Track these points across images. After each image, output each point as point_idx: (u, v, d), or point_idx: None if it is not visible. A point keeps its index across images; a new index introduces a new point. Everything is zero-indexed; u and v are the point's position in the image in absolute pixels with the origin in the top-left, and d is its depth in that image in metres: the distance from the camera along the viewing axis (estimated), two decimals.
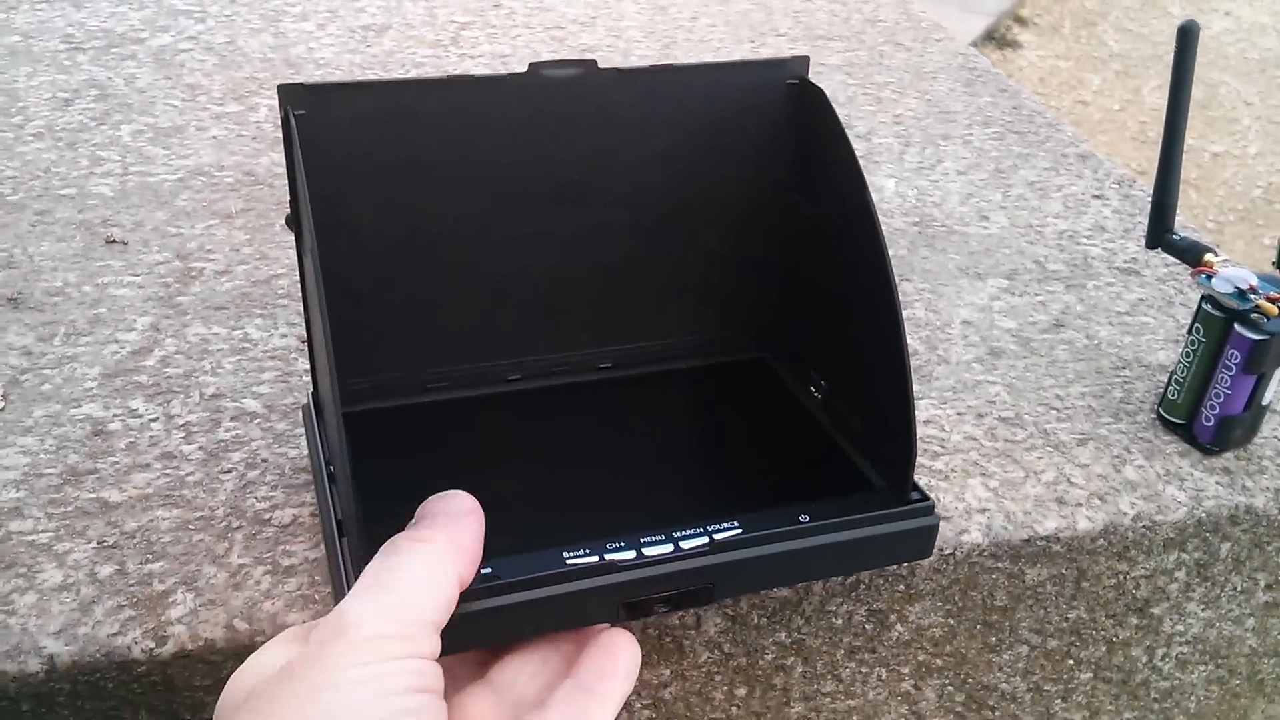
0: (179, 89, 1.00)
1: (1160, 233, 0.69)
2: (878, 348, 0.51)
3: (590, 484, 0.54)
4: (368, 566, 0.40)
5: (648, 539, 0.47)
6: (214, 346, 0.71)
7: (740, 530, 0.48)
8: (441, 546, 0.41)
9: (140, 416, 0.65)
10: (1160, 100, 4.12)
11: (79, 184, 0.86)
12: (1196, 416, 0.67)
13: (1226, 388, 0.65)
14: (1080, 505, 0.63)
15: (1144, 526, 0.63)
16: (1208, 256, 0.66)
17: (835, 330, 0.57)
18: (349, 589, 0.40)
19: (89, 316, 0.73)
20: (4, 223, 0.81)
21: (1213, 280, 0.65)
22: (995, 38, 4.19)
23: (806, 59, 0.56)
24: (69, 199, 0.84)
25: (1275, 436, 0.70)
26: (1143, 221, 0.90)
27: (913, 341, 0.74)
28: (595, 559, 0.46)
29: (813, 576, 0.54)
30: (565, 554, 0.46)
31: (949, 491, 0.63)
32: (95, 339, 0.71)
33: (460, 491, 0.44)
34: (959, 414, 0.69)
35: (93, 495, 0.60)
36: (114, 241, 0.80)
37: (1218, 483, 0.66)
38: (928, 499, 0.51)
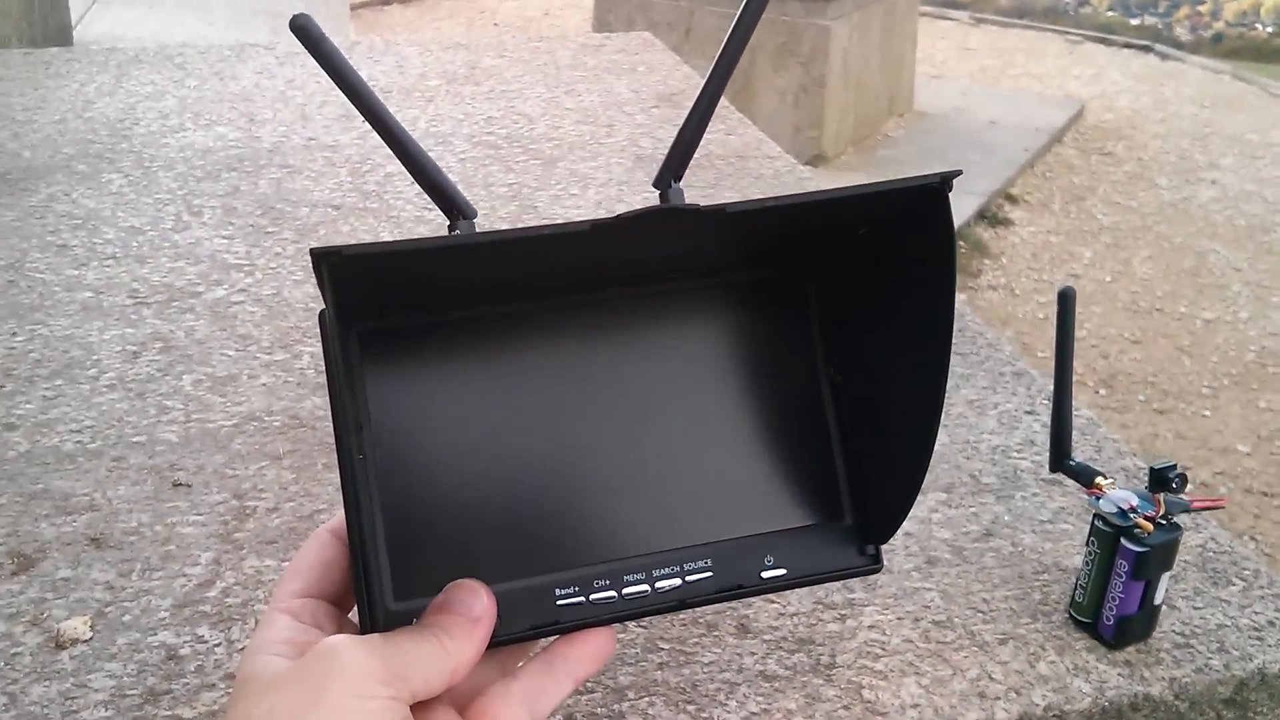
0: (233, 339, 1.15)
1: (1060, 459, 0.82)
2: (911, 413, 0.56)
3: (583, 469, 0.56)
4: (389, 634, 0.49)
5: (631, 577, 0.55)
6: (266, 577, 0.84)
7: (711, 574, 0.56)
8: (455, 646, 0.49)
9: (206, 642, 0.78)
10: (1151, 270, 4.29)
11: (148, 431, 1.01)
12: (1100, 616, 0.79)
13: (1121, 592, 0.77)
14: (999, 699, 0.74)
15: (1054, 716, 0.74)
16: (1098, 480, 0.79)
17: (872, 353, 0.59)
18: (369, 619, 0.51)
19: (161, 553, 0.87)
20: (86, 469, 0.96)
21: (1101, 501, 0.78)
22: (987, 216, 4.39)
23: (957, 172, 0.53)
24: (140, 446, 0.99)
25: (1172, 631, 0.81)
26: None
27: None
28: (582, 599, 0.54)
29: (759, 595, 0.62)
30: (557, 592, 0.54)
31: (887, 689, 0.75)
32: (167, 573, 0.85)
33: (481, 589, 0.51)
34: (899, 619, 0.81)
35: (169, 713, 0.72)
36: (180, 484, 0.94)
37: (1119, 674, 0.77)
38: (880, 563, 0.60)
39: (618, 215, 0.49)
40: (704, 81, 0.55)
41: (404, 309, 0.55)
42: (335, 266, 0.47)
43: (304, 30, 0.51)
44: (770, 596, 0.82)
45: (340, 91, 0.52)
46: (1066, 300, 0.79)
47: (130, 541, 0.88)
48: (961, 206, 4.30)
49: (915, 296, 0.57)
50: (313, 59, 0.51)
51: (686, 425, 0.58)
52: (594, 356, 0.58)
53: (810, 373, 0.62)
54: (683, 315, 0.59)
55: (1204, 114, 5.97)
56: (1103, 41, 7.17)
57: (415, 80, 1.90)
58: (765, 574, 0.58)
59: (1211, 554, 0.89)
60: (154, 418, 1.03)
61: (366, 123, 0.52)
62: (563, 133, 1.69)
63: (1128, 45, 7.08)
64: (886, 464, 0.60)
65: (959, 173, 0.54)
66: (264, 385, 1.08)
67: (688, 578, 0.56)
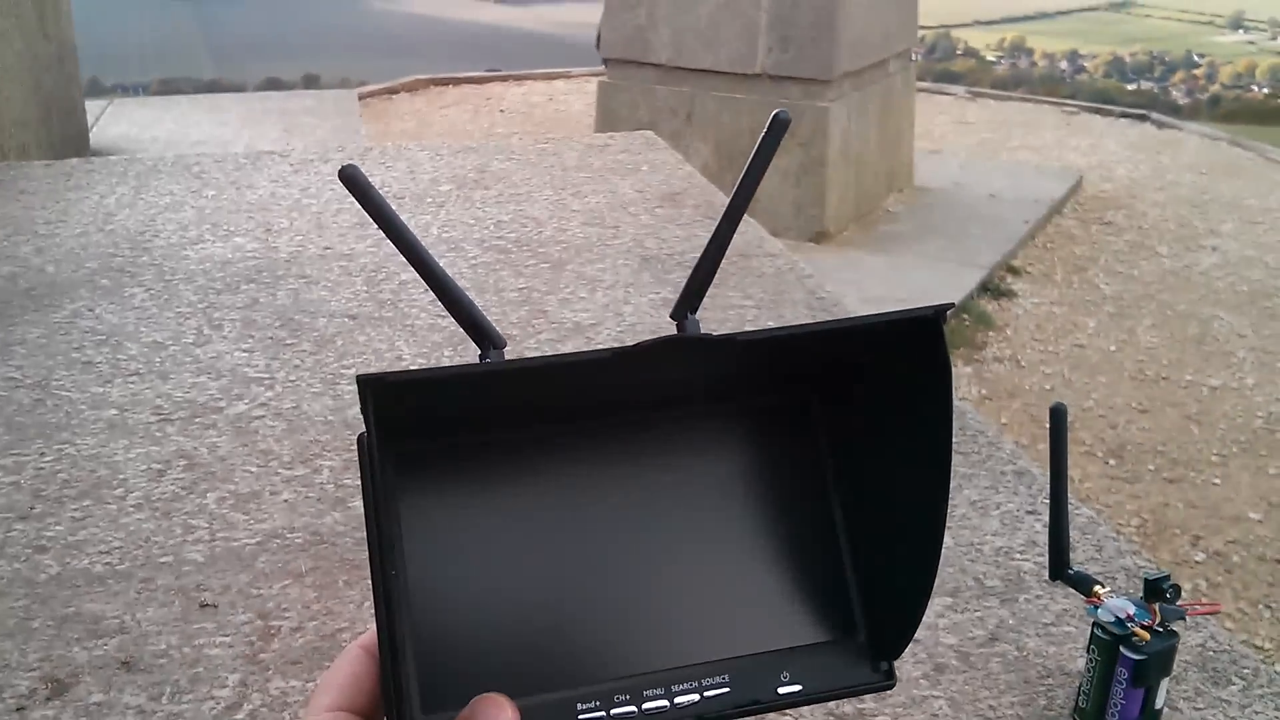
0: (254, 455, 1.19)
1: (1059, 569, 0.84)
2: (915, 532, 0.57)
3: (605, 587, 0.59)
4: None
5: (650, 693, 0.56)
6: (292, 699, 0.87)
7: (728, 690, 0.56)
8: None
9: None
10: (1155, 339, 4.32)
11: (175, 551, 1.04)
12: None
13: (1122, 699, 0.79)
14: None
15: None
16: (1096, 588, 0.82)
17: (877, 474, 0.61)
18: None
19: (189, 676, 0.89)
20: (116, 590, 0.99)
21: (1099, 610, 0.80)
22: (990, 289, 4.43)
23: (949, 305, 0.58)
24: (167, 566, 1.02)
25: None
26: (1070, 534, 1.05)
27: None
28: (603, 714, 0.54)
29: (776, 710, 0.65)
30: (579, 707, 0.55)
31: None
32: (196, 696, 0.87)
33: (506, 703, 0.52)
34: None
35: None
36: (206, 605, 0.97)
37: None
38: (893, 679, 0.62)
39: (638, 344, 0.53)
40: (719, 220, 0.59)
41: (437, 432, 0.59)
42: (379, 393, 0.52)
43: (352, 180, 0.56)
44: (785, 711, 0.85)
45: (383, 233, 0.56)
46: (1059, 416, 0.82)
47: (160, 664, 0.90)
48: (964, 280, 4.34)
49: (915, 419, 0.60)
50: (357, 203, 0.56)
51: (704, 545, 0.61)
52: (616, 479, 0.60)
53: (821, 493, 0.64)
54: (700, 440, 0.62)
55: (1202, 181, 6.03)
56: (1099, 111, 7.27)
57: (427, 185, 1.96)
58: (781, 690, 0.60)
59: (1211, 653, 0.92)
60: (180, 537, 1.06)
61: (408, 262, 0.57)
62: (570, 235, 1.74)
63: (1124, 115, 7.18)
64: (894, 581, 0.62)
65: (951, 305, 0.58)
66: (285, 501, 1.11)
67: (706, 693, 0.58)
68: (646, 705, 0.56)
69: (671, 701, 0.57)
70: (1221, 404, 3.90)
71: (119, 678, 0.89)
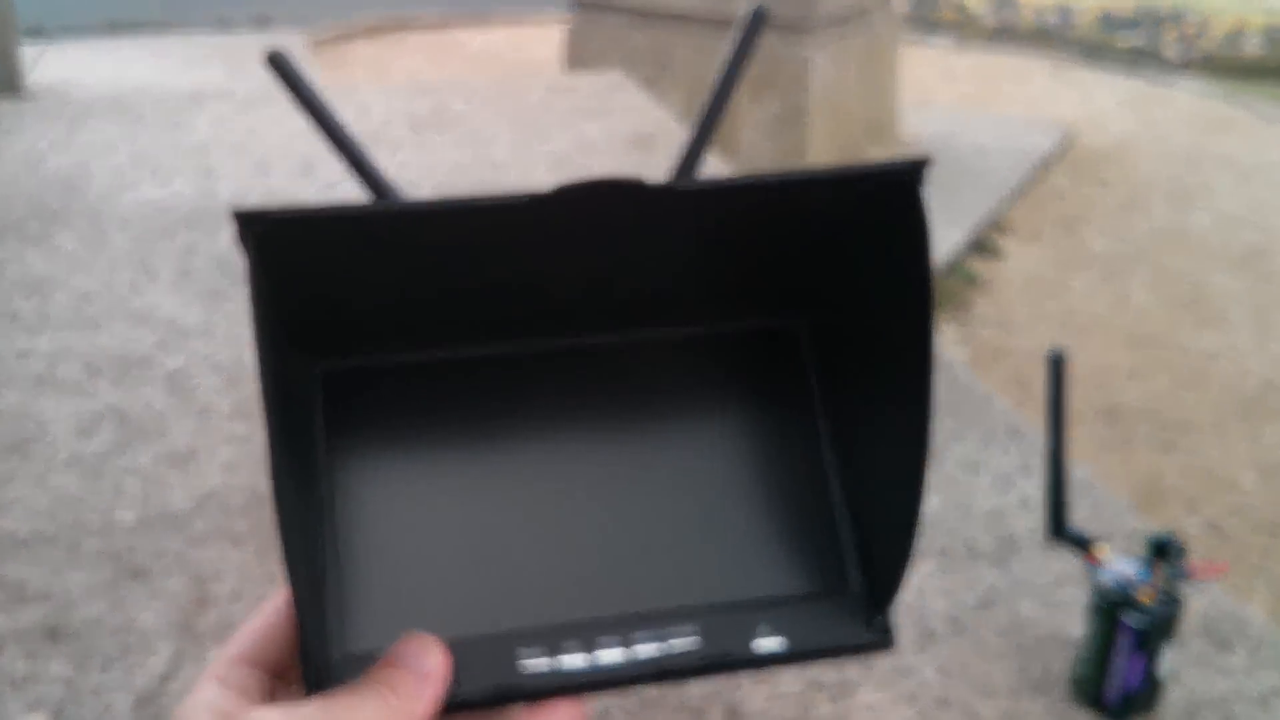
0: (191, 411, 1.11)
1: (1057, 528, 0.78)
2: (900, 453, 0.50)
3: (559, 523, 0.53)
4: (327, 694, 0.44)
5: (604, 640, 0.49)
6: None
7: (697, 641, 0.49)
8: (402, 705, 0.44)
9: None
10: (1148, 299, 4.27)
11: (105, 514, 0.96)
12: (1103, 690, 0.75)
13: (1123, 665, 0.73)
14: None
15: None
16: (1095, 549, 0.75)
17: (864, 400, 0.55)
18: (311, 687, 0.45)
19: (119, 644, 0.82)
20: (41, 555, 0.91)
21: (1100, 573, 0.74)
22: (978, 246, 4.36)
23: (924, 160, 0.48)
24: (97, 530, 0.94)
25: (1178, 702, 0.77)
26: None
27: None
28: (548, 662, 0.48)
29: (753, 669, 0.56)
30: (521, 651, 0.48)
31: None
32: (126, 665, 0.80)
33: (434, 643, 0.46)
34: (895, 698, 0.77)
35: None
36: (138, 571, 0.90)
37: None
38: (888, 635, 0.51)
39: (559, 187, 0.45)
40: (710, 96, 0.51)
41: (363, 340, 0.51)
42: (261, 235, 0.43)
43: (280, 65, 0.48)
44: (761, 677, 0.78)
45: (314, 125, 0.49)
46: (1057, 365, 0.75)
47: (88, 632, 0.83)
48: (951, 237, 4.27)
49: (895, 306, 0.53)
50: (287, 91, 0.48)
51: (676, 483, 0.54)
52: (578, 409, 0.54)
53: (810, 428, 0.56)
54: (674, 368, 0.55)
55: (1195, 138, 5.96)
56: (1090, 65, 7.19)
57: (379, 126, 1.87)
58: (759, 645, 0.52)
59: (1214, 619, 0.85)
60: (110, 499, 0.99)
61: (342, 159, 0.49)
62: (535, 180, 1.66)
63: (1115, 68, 7.10)
64: (884, 524, 0.55)
65: (927, 161, 0.49)
66: (224, 461, 1.04)
67: (670, 642, 0.50)
68: (599, 653, 0.49)
69: (629, 651, 0.49)
70: (1215, 367, 3.85)
71: (44, 647, 0.82)
